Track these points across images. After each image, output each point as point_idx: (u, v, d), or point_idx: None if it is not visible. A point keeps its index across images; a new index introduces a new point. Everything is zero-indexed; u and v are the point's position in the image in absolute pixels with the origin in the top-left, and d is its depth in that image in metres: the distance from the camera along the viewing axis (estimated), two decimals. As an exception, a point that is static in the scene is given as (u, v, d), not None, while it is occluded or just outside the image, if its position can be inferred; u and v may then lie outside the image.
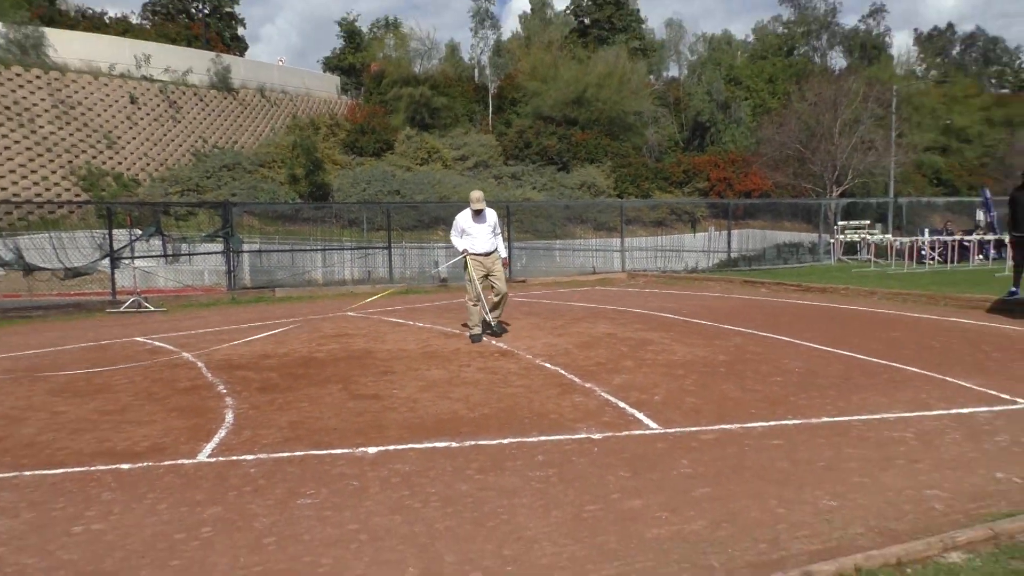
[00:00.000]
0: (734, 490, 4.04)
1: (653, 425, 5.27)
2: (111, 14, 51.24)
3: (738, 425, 5.21)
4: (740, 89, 54.22)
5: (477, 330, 8.96)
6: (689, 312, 11.01)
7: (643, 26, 62.61)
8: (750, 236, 29.56)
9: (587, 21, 60.17)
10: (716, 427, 5.18)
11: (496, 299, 9.07)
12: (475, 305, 8.98)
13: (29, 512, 3.98)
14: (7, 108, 32.73)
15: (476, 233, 8.90)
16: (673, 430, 5.15)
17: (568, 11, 61.57)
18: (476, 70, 58.01)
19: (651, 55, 60.12)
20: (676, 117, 54.05)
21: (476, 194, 8.94)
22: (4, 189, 30.61)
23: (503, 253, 9.25)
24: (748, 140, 49.98)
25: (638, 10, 62.03)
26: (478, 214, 8.85)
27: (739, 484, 4.13)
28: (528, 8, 62.34)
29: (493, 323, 9.03)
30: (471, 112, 51.50)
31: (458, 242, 9.04)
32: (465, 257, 8.96)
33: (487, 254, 8.98)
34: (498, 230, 9.15)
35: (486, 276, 9.02)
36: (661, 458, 4.59)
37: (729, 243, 24.11)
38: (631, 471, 4.37)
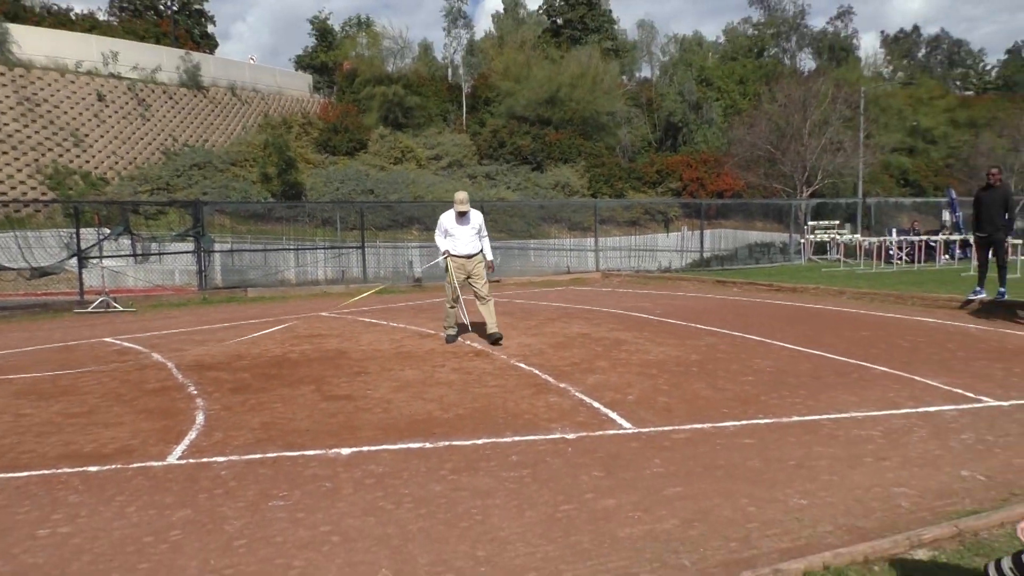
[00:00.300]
0: (706, 489, 4.08)
1: (626, 425, 5.30)
2: (77, 10, 50.38)
3: (710, 424, 5.26)
4: (711, 90, 54.67)
5: (452, 331, 8.94)
6: (662, 312, 11.09)
7: (615, 27, 62.88)
8: (722, 236, 29.86)
9: (560, 21, 60.34)
10: (688, 426, 5.23)
11: (480, 306, 8.88)
12: (452, 307, 8.93)
13: (-7, 517, 3.90)
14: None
15: (459, 235, 8.79)
16: (646, 430, 5.18)
17: (541, 11, 61.66)
18: (449, 69, 57.94)
19: (623, 55, 60.37)
20: (649, 117, 54.35)
21: (460, 195, 8.77)
22: (-33, 187, 30.01)
23: (488, 256, 9.09)
24: (720, 140, 50.42)
25: (610, 11, 62.34)
26: (462, 216, 8.73)
27: (711, 483, 4.17)
28: (501, 8, 62.45)
29: (496, 331, 8.76)
30: (445, 111, 51.39)
31: (441, 242, 8.92)
32: (446, 258, 8.89)
33: (469, 256, 8.85)
34: (484, 232, 9.02)
35: (467, 278, 8.96)
36: (634, 458, 4.61)
37: (702, 243, 24.32)
38: (605, 471, 4.39)
